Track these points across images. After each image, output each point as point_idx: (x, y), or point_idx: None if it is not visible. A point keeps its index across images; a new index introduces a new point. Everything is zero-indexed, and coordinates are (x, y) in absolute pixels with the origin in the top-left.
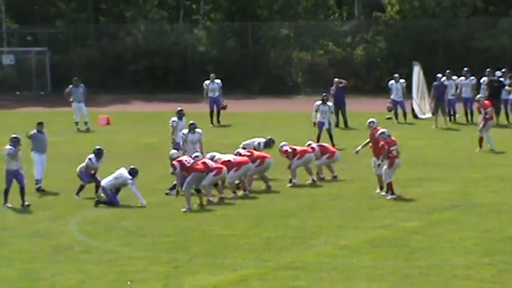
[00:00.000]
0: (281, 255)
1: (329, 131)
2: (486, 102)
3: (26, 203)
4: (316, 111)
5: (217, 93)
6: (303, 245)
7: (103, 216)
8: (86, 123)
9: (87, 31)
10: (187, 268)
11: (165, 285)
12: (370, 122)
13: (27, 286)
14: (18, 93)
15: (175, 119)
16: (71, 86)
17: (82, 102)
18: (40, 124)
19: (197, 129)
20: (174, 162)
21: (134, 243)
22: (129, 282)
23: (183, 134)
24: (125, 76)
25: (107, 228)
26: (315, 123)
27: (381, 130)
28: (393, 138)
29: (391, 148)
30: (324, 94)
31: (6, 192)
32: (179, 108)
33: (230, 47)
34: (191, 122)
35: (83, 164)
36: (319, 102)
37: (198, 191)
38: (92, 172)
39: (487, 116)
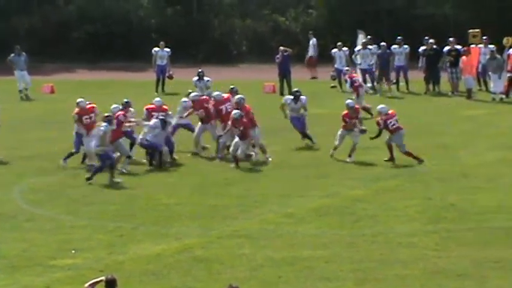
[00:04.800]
0: (225, 223)
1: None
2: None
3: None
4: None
5: (165, 61)
6: (247, 213)
7: (47, 185)
8: (26, 89)
9: None
10: (131, 237)
11: (109, 253)
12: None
13: None
14: None
15: None
16: (12, 54)
17: (25, 70)
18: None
19: None
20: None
21: (78, 211)
22: (73, 251)
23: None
24: (69, 44)
25: (51, 196)
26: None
27: (380, 106)
28: (391, 111)
29: (390, 121)
30: (297, 90)
31: None
32: None
33: (172, 14)
34: None
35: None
36: (290, 98)
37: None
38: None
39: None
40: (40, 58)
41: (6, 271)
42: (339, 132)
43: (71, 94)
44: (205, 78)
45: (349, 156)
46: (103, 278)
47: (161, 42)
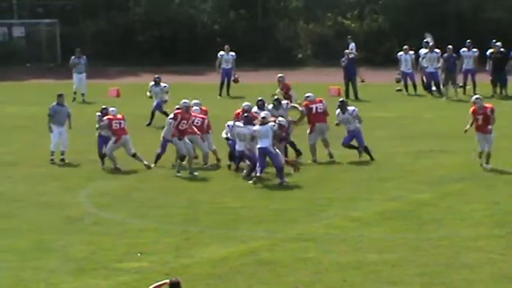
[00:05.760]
0: (290, 226)
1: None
2: None
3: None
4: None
5: (230, 65)
6: (312, 216)
7: (114, 188)
8: (82, 94)
9: (97, 2)
10: (198, 240)
11: (175, 257)
12: (477, 99)
13: (39, 257)
14: (28, 65)
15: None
16: (73, 57)
17: (83, 73)
18: (60, 96)
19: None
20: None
21: (145, 215)
22: (139, 254)
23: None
24: (134, 47)
25: (118, 200)
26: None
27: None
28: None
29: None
30: (276, 97)
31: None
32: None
33: (236, 18)
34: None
35: (166, 129)
36: (271, 106)
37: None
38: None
39: None
40: (106, 62)
41: (74, 274)
42: (477, 137)
43: (136, 97)
44: (162, 84)
45: (487, 163)
46: (167, 281)
47: (226, 46)
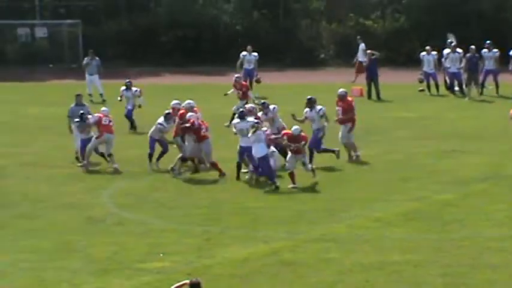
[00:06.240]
0: (312, 227)
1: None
2: None
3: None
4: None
5: (252, 66)
6: (334, 217)
7: (135, 189)
8: (101, 95)
9: (118, 3)
10: (219, 240)
11: (197, 257)
12: None
13: (62, 257)
14: (51, 65)
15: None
16: (86, 58)
17: (95, 74)
18: (78, 96)
19: None
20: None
21: (166, 215)
22: (161, 254)
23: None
24: (156, 48)
25: (140, 200)
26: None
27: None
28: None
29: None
30: (263, 101)
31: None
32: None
33: (259, 19)
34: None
35: (153, 129)
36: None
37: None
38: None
39: None
40: (127, 62)
41: (97, 274)
42: None
43: (157, 98)
44: (133, 89)
45: None
46: (187, 281)
47: (248, 47)
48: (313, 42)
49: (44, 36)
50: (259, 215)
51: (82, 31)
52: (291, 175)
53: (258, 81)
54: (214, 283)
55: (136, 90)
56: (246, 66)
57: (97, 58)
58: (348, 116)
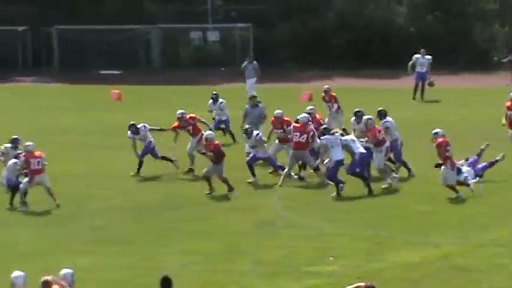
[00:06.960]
0: (482, 232)
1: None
2: None
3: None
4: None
5: (425, 68)
6: (504, 222)
7: (303, 191)
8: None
9: (291, 6)
10: (389, 244)
11: (367, 261)
12: None
13: (231, 259)
14: (223, 69)
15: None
16: (245, 62)
17: (252, 78)
18: (253, 98)
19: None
20: None
21: (335, 219)
22: (331, 258)
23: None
24: (328, 51)
25: (307, 203)
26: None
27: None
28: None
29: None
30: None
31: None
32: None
33: (432, 21)
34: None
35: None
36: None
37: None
38: None
39: None
40: (298, 65)
41: (266, 277)
42: None
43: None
44: (220, 100)
45: None
46: (362, 284)
47: (422, 49)
48: (487, 44)
49: (215, 40)
50: (428, 220)
51: (253, 34)
52: (453, 186)
53: (430, 84)
54: (385, 287)
55: (222, 103)
56: (418, 69)
57: (255, 62)
58: None
